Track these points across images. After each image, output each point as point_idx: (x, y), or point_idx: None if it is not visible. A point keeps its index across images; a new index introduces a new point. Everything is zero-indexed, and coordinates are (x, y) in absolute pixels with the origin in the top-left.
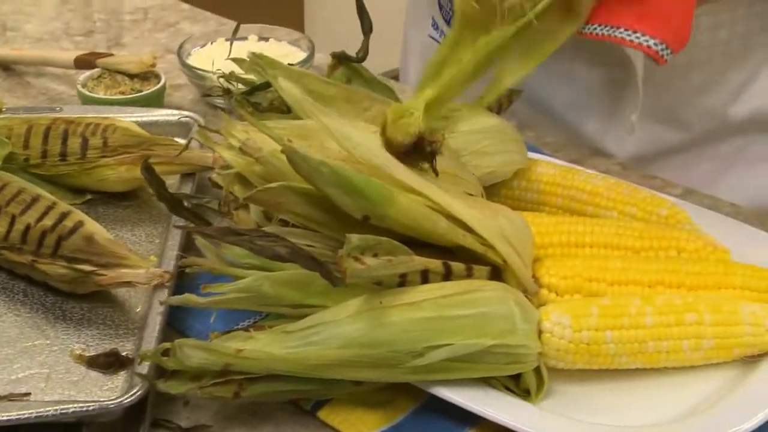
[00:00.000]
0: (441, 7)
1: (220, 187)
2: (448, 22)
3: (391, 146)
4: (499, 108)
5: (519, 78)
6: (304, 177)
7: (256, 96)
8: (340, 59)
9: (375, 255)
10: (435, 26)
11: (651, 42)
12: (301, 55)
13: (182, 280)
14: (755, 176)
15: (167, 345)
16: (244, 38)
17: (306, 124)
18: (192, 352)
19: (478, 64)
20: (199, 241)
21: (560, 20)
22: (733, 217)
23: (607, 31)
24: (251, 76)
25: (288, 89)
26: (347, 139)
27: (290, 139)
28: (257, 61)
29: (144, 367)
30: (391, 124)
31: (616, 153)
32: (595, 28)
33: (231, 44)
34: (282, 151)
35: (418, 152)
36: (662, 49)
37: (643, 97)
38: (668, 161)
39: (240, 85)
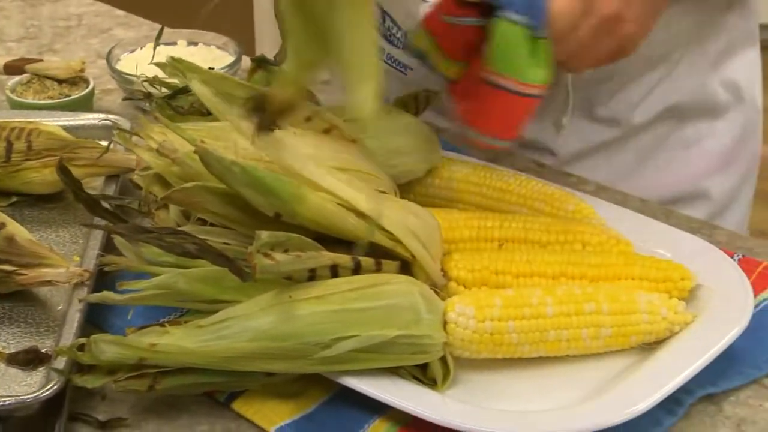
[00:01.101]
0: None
1: (141, 188)
2: (387, 39)
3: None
4: (416, 109)
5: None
6: (217, 177)
7: (178, 99)
8: (259, 63)
9: (285, 251)
10: None
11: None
12: (229, 59)
13: (104, 279)
14: (673, 162)
15: (83, 340)
16: (173, 43)
17: (223, 125)
18: (106, 347)
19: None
20: (118, 240)
21: None
22: (641, 212)
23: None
24: (175, 80)
25: (202, 92)
26: (257, 140)
27: (203, 140)
28: (176, 65)
29: (62, 363)
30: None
31: (553, 151)
32: None
33: (155, 49)
34: (195, 152)
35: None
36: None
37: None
38: (599, 155)
39: (164, 89)
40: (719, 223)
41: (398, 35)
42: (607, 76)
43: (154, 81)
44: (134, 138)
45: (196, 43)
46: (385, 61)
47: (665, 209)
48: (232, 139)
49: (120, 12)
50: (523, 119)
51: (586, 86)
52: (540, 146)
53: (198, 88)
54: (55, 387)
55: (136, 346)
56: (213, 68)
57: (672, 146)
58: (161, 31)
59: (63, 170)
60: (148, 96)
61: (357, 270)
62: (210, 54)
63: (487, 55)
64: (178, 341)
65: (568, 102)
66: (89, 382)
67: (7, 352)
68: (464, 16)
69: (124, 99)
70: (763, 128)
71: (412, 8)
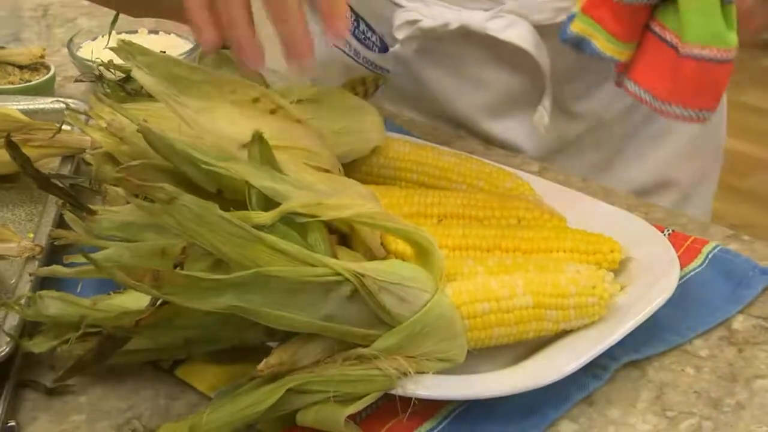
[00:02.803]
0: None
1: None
2: (362, 42)
3: None
4: (365, 92)
5: None
6: (161, 155)
7: (131, 82)
8: None
9: None
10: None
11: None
12: (188, 46)
13: (57, 256)
14: (642, 155)
15: (29, 294)
16: (134, 32)
17: None
18: (50, 303)
19: None
20: (67, 216)
21: None
22: (581, 191)
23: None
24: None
25: (141, 77)
26: (196, 125)
27: (146, 119)
28: (127, 48)
29: (12, 330)
30: None
31: (527, 149)
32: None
33: (109, 35)
34: (138, 131)
35: None
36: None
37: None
38: (571, 152)
39: (118, 72)
40: (685, 210)
41: (373, 39)
42: (584, 72)
43: (109, 65)
44: (90, 120)
45: (157, 32)
46: (360, 64)
47: (605, 188)
48: (177, 119)
49: (85, 2)
50: (726, 84)
51: (563, 83)
52: (511, 146)
53: (137, 72)
54: (3, 353)
55: (79, 303)
56: (164, 52)
57: (641, 139)
58: (116, 17)
59: (12, 146)
60: (100, 78)
61: None
62: (169, 42)
63: (681, 31)
64: (119, 302)
65: (544, 98)
66: (36, 346)
67: None
68: None
69: (76, 80)
70: (728, 123)
71: (384, 12)
